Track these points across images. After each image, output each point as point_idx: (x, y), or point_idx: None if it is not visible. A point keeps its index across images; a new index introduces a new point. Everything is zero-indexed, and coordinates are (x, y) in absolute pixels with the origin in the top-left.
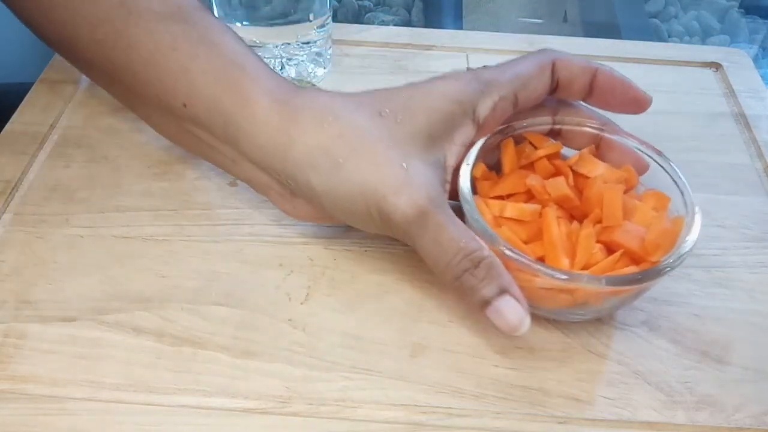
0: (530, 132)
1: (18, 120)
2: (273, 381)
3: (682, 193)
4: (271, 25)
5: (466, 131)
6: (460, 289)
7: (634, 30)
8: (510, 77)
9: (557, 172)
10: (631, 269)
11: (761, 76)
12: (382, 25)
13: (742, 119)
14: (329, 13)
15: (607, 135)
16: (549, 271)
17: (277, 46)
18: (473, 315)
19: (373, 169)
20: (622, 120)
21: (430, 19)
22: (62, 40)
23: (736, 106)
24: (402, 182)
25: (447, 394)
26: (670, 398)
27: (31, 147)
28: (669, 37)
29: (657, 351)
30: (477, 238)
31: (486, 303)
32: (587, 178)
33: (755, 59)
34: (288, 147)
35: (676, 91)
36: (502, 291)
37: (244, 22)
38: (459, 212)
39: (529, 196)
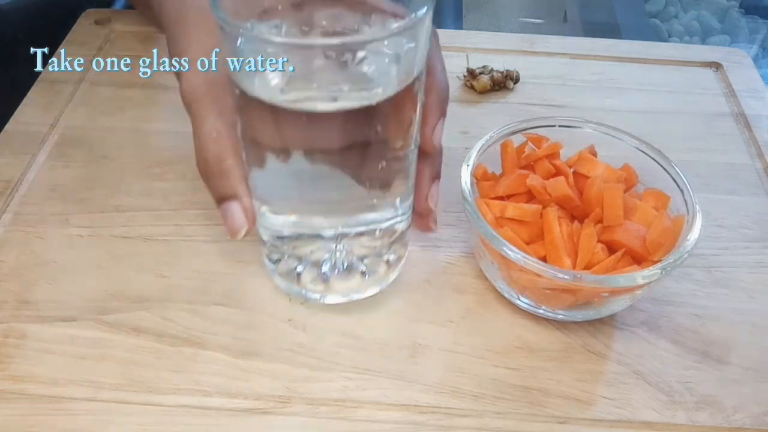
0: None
1: (18, 120)
2: (273, 381)
3: (682, 193)
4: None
5: None
6: (204, 181)
7: (634, 30)
8: None
9: (557, 172)
10: (633, 268)
11: (761, 76)
12: None
13: (742, 119)
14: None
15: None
16: (552, 272)
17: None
18: (473, 315)
19: (201, 35)
20: (623, 119)
21: None
22: None
23: (736, 106)
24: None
25: (447, 394)
26: (670, 398)
27: (31, 147)
28: (669, 37)
29: (657, 351)
30: (229, 137)
31: (218, 201)
32: (587, 177)
33: (755, 59)
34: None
35: (676, 91)
36: (232, 197)
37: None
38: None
39: (530, 196)
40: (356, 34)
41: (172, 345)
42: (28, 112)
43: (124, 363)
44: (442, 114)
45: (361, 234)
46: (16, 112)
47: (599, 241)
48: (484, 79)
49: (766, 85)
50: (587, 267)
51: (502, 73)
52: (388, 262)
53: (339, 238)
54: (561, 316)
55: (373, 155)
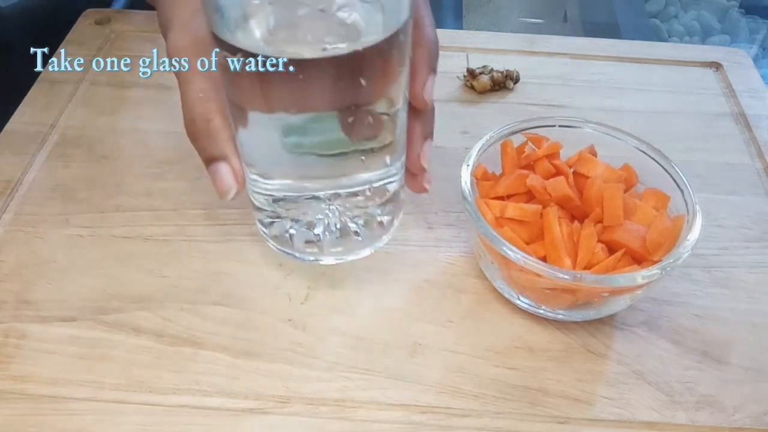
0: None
1: (18, 120)
2: (273, 381)
3: (682, 192)
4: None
5: None
6: (192, 143)
7: (634, 30)
8: None
9: (557, 172)
10: (633, 268)
11: (761, 76)
12: None
13: (742, 119)
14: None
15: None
16: (552, 272)
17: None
18: (473, 315)
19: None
20: (623, 119)
21: None
22: None
23: (736, 106)
24: (184, 22)
25: (447, 394)
26: (670, 398)
27: (31, 147)
28: (669, 37)
29: (657, 351)
30: (216, 98)
31: (206, 163)
32: (587, 177)
33: (755, 59)
34: None
35: (676, 91)
36: (220, 158)
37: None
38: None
39: (530, 196)
40: None
41: (172, 345)
42: (28, 112)
43: (124, 363)
44: (432, 70)
45: (353, 194)
46: (16, 112)
47: (599, 241)
48: (484, 79)
49: (766, 85)
50: (587, 267)
51: (502, 73)
52: (381, 223)
53: (331, 198)
54: (561, 316)
55: (360, 111)
